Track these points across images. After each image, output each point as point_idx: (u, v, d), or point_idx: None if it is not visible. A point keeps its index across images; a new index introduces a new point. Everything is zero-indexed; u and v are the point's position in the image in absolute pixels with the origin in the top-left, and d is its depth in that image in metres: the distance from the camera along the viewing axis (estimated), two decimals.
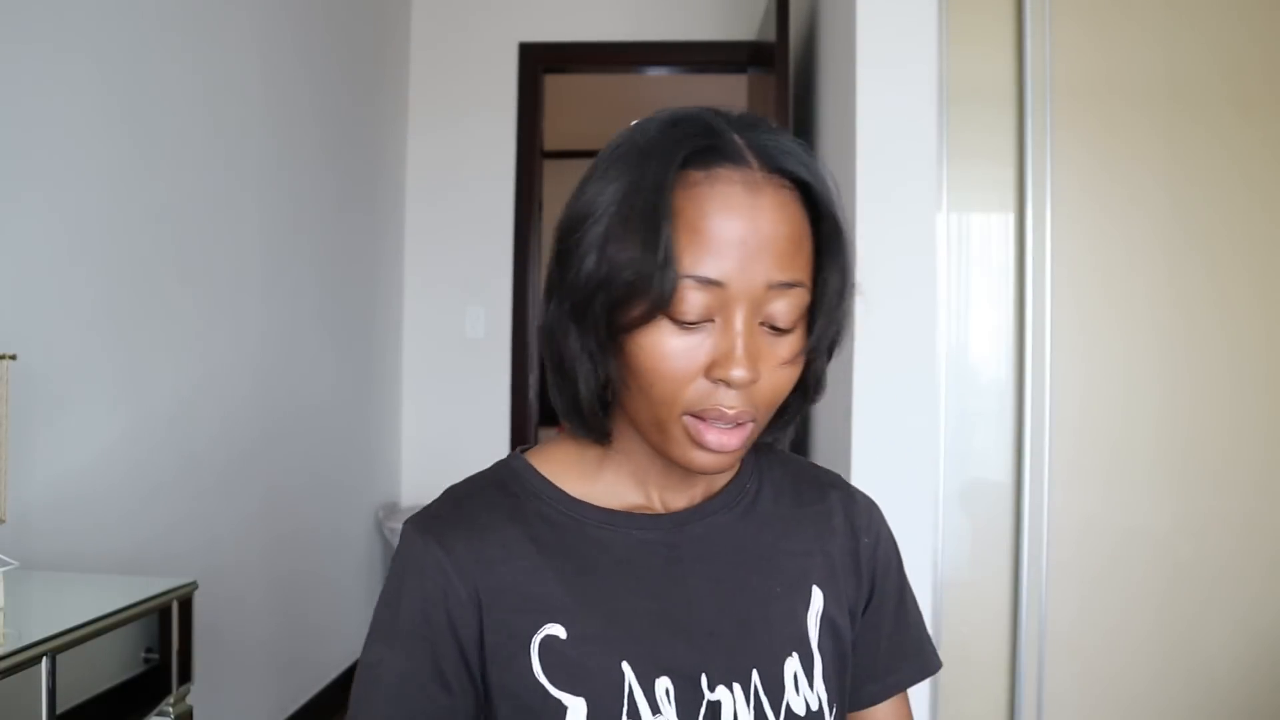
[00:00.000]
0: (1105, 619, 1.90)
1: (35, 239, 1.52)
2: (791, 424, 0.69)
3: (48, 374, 1.52)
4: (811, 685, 0.67)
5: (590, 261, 0.59)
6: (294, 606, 2.41)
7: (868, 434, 1.85)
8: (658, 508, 0.69)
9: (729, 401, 0.59)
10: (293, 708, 2.46)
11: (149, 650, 1.25)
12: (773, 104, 2.49)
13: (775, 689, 0.65)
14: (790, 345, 0.60)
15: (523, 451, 0.72)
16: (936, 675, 1.90)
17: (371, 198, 3.04)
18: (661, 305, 0.57)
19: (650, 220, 0.57)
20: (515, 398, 3.28)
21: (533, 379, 3.28)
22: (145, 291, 1.81)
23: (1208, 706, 1.88)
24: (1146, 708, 1.89)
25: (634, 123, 0.64)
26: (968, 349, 1.96)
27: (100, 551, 1.66)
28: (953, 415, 1.94)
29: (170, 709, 1.28)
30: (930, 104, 1.86)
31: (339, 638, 2.75)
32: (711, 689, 0.63)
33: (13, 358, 1.29)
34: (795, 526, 0.72)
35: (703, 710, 0.63)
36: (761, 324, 0.59)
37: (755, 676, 0.65)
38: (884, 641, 0.75)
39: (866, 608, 0.74)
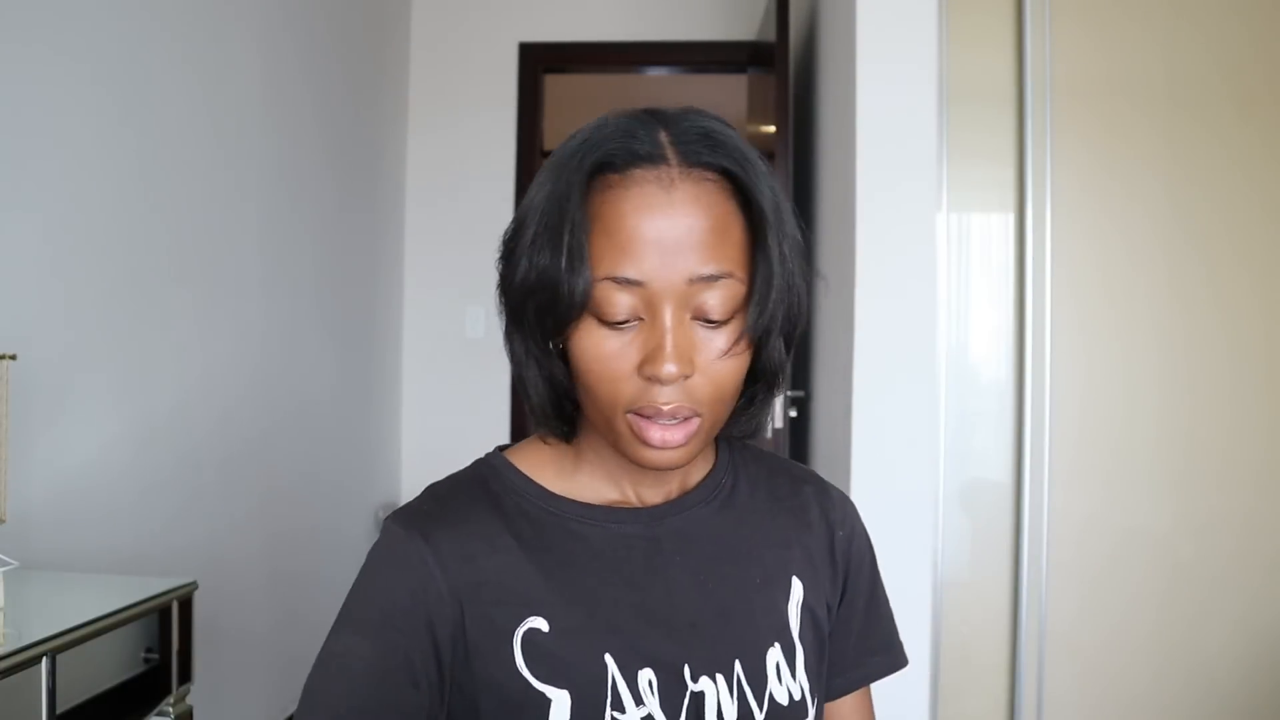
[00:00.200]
0: (1105, 619, 1.90)
1: (35, 239, 1.52)
2: (761, 415, 0.69)
3: (48, 374, 1.52)
4: (794, 675, 0.67)
5: (522, 268, 0.61)
6: (294, 606, 2.41)
7: (868, 434, 1.85)
8: (634, 502, 0.69)
9: (664, 398, 0.59)
10: (293, 707, 2.45)
11: (149, 650, 1.25)
12: (773, 104, 2.49)
13: (758, 679, 0.66)
14: (728, 337, 0.60)
15: (502, 450, 0.72)
16: (936, 675, 1.91)
17: (371, 197, 3.04)
18: (579, 309, 0.59)
19: (558, 228, 0.58)
20: (515, 398, 3.27)
21: None
22: (145, 291, 1.81)
23: (1208, 706, 1.88)
24: (1146, 708, 1.89)
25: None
26: (968, 349, 1.96)
27: (100, 551, 1.66)
28: (953, 415, 1.94)
29: (170, 709, 1.28)
30: (930, 104, 1.86)
31: None
32: (695, 680, 0.64)
33: (13, 358, 1.29)
34: (772, 520, 0.73)
35: (686, 701, 0.63)
36: (695, 318, 0.60)
37: (738, 667, 0.65)
38: (854, 636, 0.75)
39: (840, 601, 0.75)
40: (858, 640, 0.76)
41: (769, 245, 0.60)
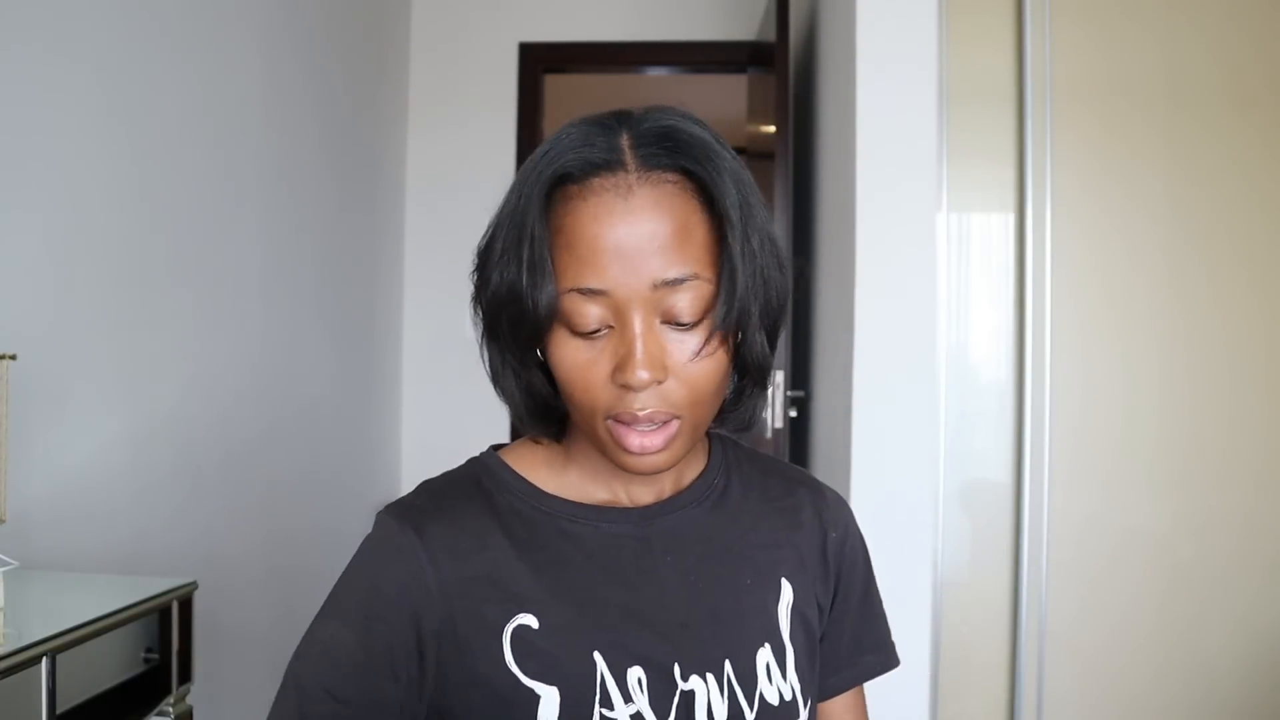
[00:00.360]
0: (1105, 619, 1.90)
1: (35, 239, 1.52)
2: (752, 408, 0.69)
3: (48, 374, 1.52)
4: (785, 675, 0.68)
5: (493, 281, 0.62)
6: (294, 606, 2.41)
7: (868, 434, 1.85)
8: (625, 502, 0.70)
9: (639, 404, 0.59)
10: None
11: (149, 650, 1.25)
12: (773, 104, 2.49)
13: (748, 679, 0.66)
14: (700, 338, 0.60)
15: (496, 449, 0.73)
16: (936, 675, 1.91)
17: (371, 197, 3.04)
18: (547, 322, 0.60)
19: (519, 243, 0.60)
20: None
21: None
22: (145, 292, 1.81)
23: (1207, 705, 1.88)
24: (1146, 707, 1.89)
25: None
26: (968, 349, 1.96)
27: (100, 551, 1.66)
28: (953, 415, 1.94)
29: (170, 709, 1.28)
30: (930, 104, 1.86)
31: None
32: (685, 679, 0.64)
33: (13, 358, 1.29)
34: (764, 520, 0.73)
35: (676, 700, 0.63)
36: (665, 322, 0.60)
37: (728, 666, 0.65)
38: (847, 635, 0.76)
39: (833, 601, 0.75)
40: (850, 640, 0.76)
41: (730, 244, 0.59)
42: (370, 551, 0.66)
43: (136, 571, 1.74)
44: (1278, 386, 1.89)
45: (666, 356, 0.60)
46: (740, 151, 3.56)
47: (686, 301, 0.59)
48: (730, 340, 0.61)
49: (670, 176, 0.60)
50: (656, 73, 3.47)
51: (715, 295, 0.60)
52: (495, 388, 0.68)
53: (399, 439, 3.29)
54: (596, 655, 0.63)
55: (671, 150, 0.60)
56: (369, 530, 0.67)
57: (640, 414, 0.60)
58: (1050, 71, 1.90)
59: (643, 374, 0.58)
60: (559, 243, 0.59)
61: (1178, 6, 1.90)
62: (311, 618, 0.65)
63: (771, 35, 2.50)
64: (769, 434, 2.36)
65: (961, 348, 1.96)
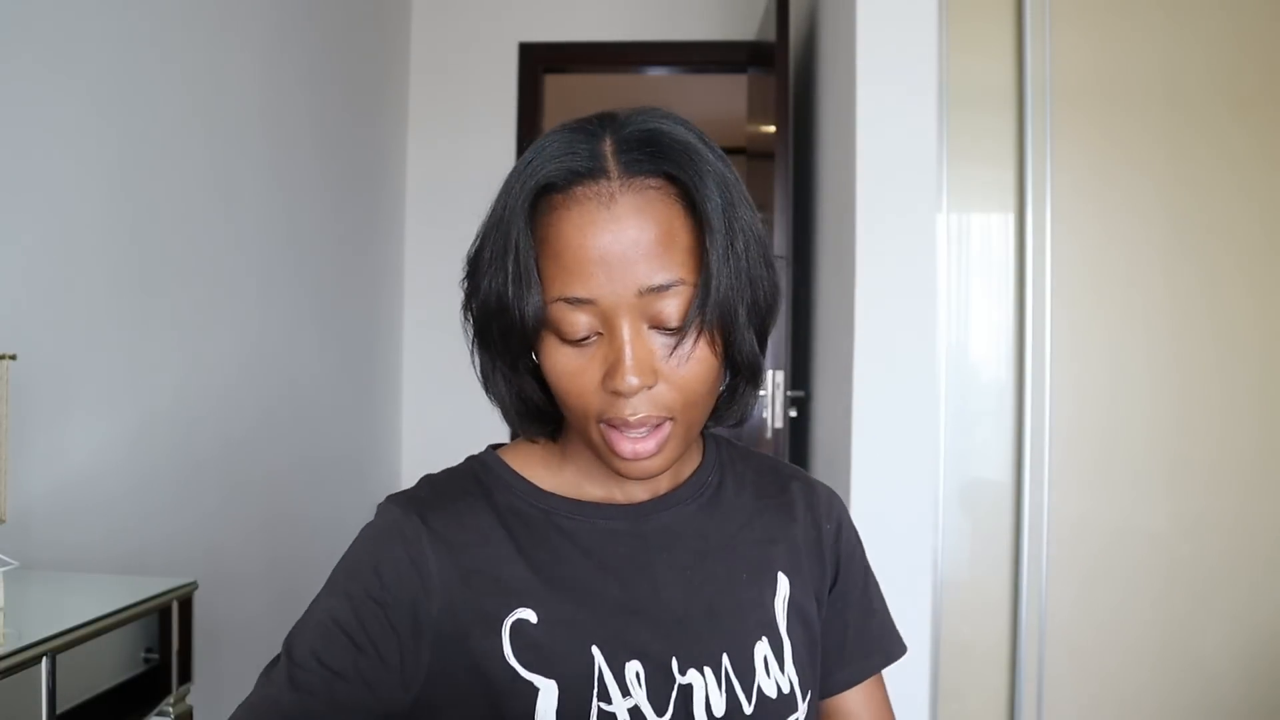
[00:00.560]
0: (1104, 617, 1.90)
1: (35, 239, 1.52)
2: (745, 406, 0.69)
3: (48, 374, 1.52)
4: (782, 669, 0.68)
5: (483, 289, 0.62)
6: (295, 606, 2.40)
7: (868, 434, 1.85)
8: (621, 499, 0.70)
9: (630, 409, 0.60)
10: None
11: (149, 650, 1.25)
12: (773, 104, 2.49)
13: (746, 672, 0.66)
14: (689, 341, 0.60)
15: (495, 448, 0.74)
16: (936, 674, 1.91)
17: (372, 195, 3.04)
18: (534, 331, 0.60)
19: (504, 254, 0.60)
20: None
21: None
22: (145, 292, 1.81)
23: (1205, 702, 1.88)
24: (1145, 704, 1.90)
25: None
26: (968, 349, 1.96)
27: (100, 551, 1.66)
28: (953, 415, 1.94)
29: (170, 709, 1.28)
30: (930, 105, 1.86)
31: None
32: (682, 673, 0.65)
33: (13, 358, 1.29)
34: (758, 517, 0.74)
35: (674, 693, 0.64)
36: (653, 327, 0.60)
37: (725, 660, 0.66)
38: (850, 628, 0.76)
39: (832, 595, 0.75)
40: (855, 632, 0.76)
41: (709, 250, 0.59)
42: (373, 536, 0.66)
43: (137, 570, 1.74)
44: (1274, 385, 1.89)
45: (656, 361, 0.60)
46: (740, 151, 3.55)
47: (673, 306, 0.59)
48: (718, 341, 0.62)
49: (653, 182, 0.60)
50: (656, 73, 3.47)
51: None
52: (487, 393, 0.68)
53: (399, 439, 3.29)
54: (595, 649, 0.63)
55: (654, 155, 0.60)
56: None
57: (632, 419, 0.60)
58: (1050, 73, 1.90)
59: (633, 380, 0.59)
60: (545, 252, 0.60)
61: (1176, 11, 1.90)
62: (301, 616, 0.66)
63: (771, 35, 2.50)
64: (769, 434, 2.36)
65: (961, 348, 1.96)
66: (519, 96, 3.33)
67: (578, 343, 0.60)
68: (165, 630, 1.27)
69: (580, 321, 0.59)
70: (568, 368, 0.61)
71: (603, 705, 0.62)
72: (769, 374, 2.33)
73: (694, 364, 0.61)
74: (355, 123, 2.89)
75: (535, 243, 0.60)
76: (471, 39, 3.35)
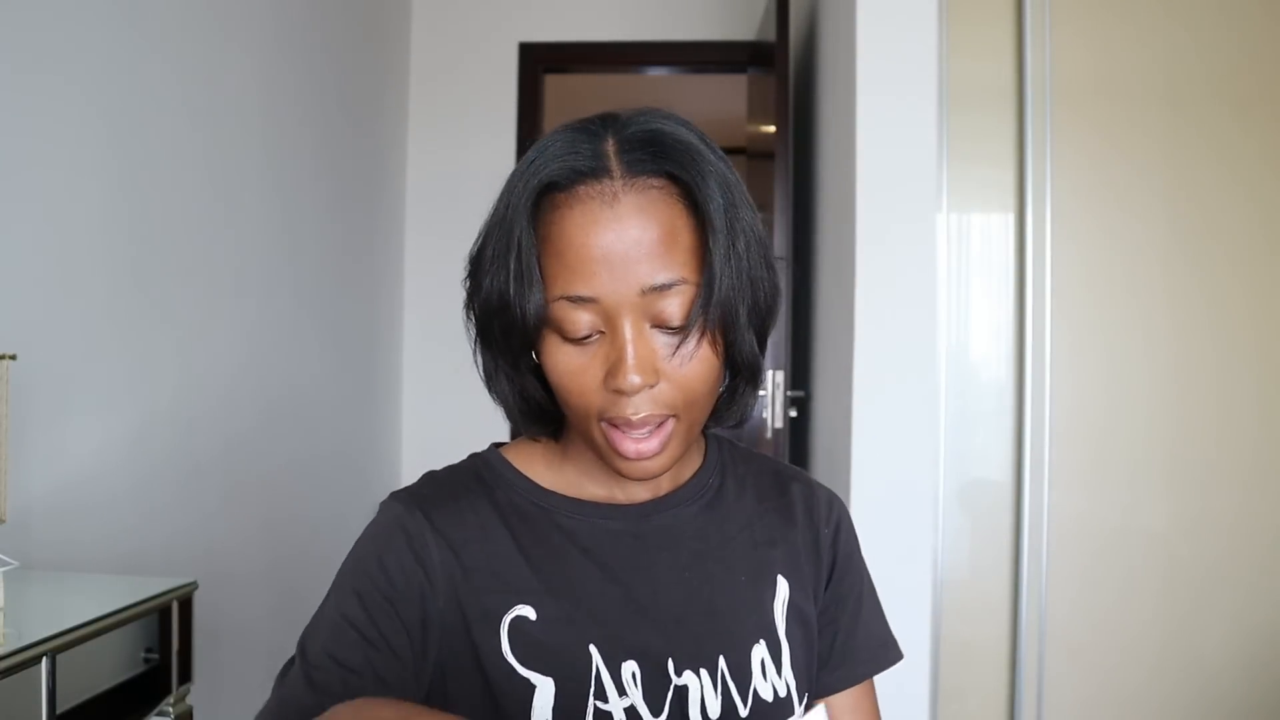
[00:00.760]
0: (1104, 617, 1.91)
1: (35, 240, 1.52)
2: (744, 406, 0.70)
3: (48, 374, 1.52)
4: (780, 672, 0.68)
5: (485, 288, 0.63)
6: (295, 606, 2.41)
7: (868, 434, 1.85)
8: (622, 499, 0.70)
9: (632, 409, 0.60)
10: None
11: (149, 650, 1.25)
12: (773, 104, 2.49)
13: (743, 675, 0.66)
14: (691, 340, 0.61)
15: (497, 446, 0.74)
16: (936, 674, 1.91)
17: (372, 195, 3.04)
18: (536, 329, 0.60)
19: (507, 252, 0.60)
20: None
21: None
22: (145, 292, 1.81)
23: (1204, 701, 1.88)
24: (1145, 703, 1.90)
25: None
26: (968, 349, 1.96)
27: (100, 551, 1.66)
28: (953, 415, 1.94)
29: (170, 709, 1.28)
30: (930, 105, 1.87)
31: None
32: (679, 674, 0.65)
33: (13, 358, 1.29)
34: (759, 519, 0.73)
35: (670, 694, 0.64)
36: (655, 326, 0.60)
37: (722, 662, 0.66)
38: (843, 632, 0.76)
39: (828, 597, 0.75)
40: (847, 636, 0.76)
41: (711, 249, 0.60)
42: (378, 533, 0.66)
43: (137, 570, 1.74)
44: (1273, 385, 1.89)
45: (658, 360, 0.60)
46: (740, 151, 3.56)
47: (675, 305, 0.59)
48: (719, 341, 0.62)
49: (655, 182, 0.60)
50: (656, 73, 3.47)
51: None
52: (490, 392, 0.69)
53: (399, 439, 3.29)
54: (592, 648, 0.63)
55: (656, 155, 0.60)
56: None
57: (634, 419, 0.60)
58: (1050, 74, 1.90)
59: (635, 379, 0.59)
60: (547, 251, 0.60)
61: (1175, 11, 1.91)
62: (312, 616, 0.66)
63: (771, 35, 2.50)
64: (769, 434, 2.36)
65: (961, 348, 1.96)
66: (519, 97, 3.33)
67: (579, 341, 0.61)
68: (165, 630, 1.27)
69: (582, 320, 0.60)
70: (569, 366, 0.61)
71: (599, 704, 0.62)
72: (769, 374, 2.33)
73: (696, 363, 0.61)
74: (355, 122, 2.89)
75: (538, 241, 0.60)
76: (471, 39, 3.35)
